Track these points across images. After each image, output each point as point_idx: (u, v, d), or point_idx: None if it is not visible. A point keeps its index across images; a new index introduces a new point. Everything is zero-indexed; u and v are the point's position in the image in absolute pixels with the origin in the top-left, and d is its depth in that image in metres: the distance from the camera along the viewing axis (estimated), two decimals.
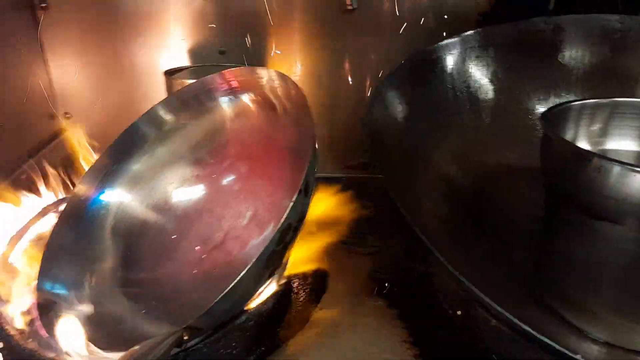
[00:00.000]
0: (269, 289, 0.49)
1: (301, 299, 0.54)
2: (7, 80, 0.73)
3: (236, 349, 0.44)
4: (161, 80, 0.74)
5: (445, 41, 0.65)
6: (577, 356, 0.37)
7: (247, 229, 0.56)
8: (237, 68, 0.57)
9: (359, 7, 0.74)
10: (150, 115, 0.60)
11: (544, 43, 0.64)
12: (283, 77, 0.52)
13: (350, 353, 0.47)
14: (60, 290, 0.48)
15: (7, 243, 0.55)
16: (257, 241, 0.54)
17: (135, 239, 0.56)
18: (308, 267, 0.56)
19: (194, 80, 0.61)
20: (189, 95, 0.59)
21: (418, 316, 0.51)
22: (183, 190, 0.60)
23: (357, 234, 0.62)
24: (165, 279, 0.53)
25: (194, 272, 0.54)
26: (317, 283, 0.56)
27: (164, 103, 0.60)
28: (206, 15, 0.79)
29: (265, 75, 0.54)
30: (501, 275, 0.49)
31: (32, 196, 0.65)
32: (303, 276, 0.56)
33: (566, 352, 0.37)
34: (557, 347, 0.37)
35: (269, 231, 0.53)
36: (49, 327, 0.43)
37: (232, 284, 0.38)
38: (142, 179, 0.59)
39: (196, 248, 0.56)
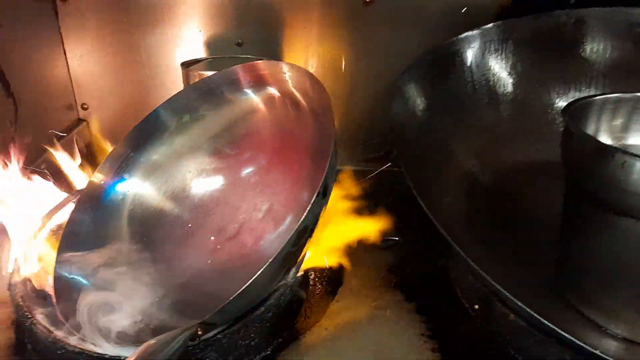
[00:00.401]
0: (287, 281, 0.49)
1: (318, 291, 0.54)
2: (29, 72, 0.74)
3: (254, 340, 0.45)
4: (178, 72, 0.74)
5: (465, 34, 0.64)
6: (597, 351, 0.37)
7: (262, 222, 0.57)
8: (261, 61, 0.57)
9: (378, 0, 0.74)
10: (171, 104, 0.60)
11: (565, 36, 0.64)
12: (308, 75, 0.51)
13: (368, 345, 0.47)
14: (76, 277, 0.48)
15: (29, 233, 0.56)
16: (272, 236, 0.54)
17: (151, 226, 0.57)
18: (325, 260, 0.57)
19: (215, 72, 0.61)
20: (211, 86, 0.59)
21: (436, 310, 0.51)
22: (200, 180, 0.61)
23: (374, 227, 0.62)
24: (179, 267, 0.53)
25: (208, 262, 0.54)
26: (334, 276, 0.56)
27: (185, 92, 0.60)
28: (223, 7, 0.79)
29: (289, 71, 0.53)
30: (521, 271, 0.49)
31: (51, 186, 0.66)
32: (320, 269, 0.56)
33: (586, 346, 0.37)
34: (577, 341, 0.37)
35: (284, 227, 0.53)
36: (67, 314, 0.44)
37: (247, 284, 0.38)
38: (160, 167, 0.59)
39: (211, 238, 0.57)
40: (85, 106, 0.88)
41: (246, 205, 0.58)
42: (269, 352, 0.46)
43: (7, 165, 0.64)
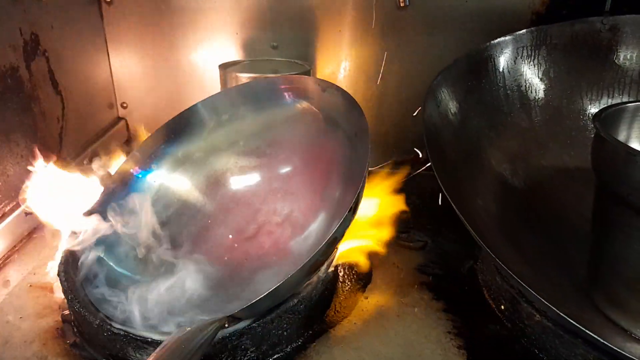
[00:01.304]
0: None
1: (347, 287, 0.56)
2: (75, 71, 0.78)
3: (287, 330, 0.47)
4: (214, 73, 0.76)
5: (498, 40, 0.65)
6: (624, 352, 0.38)
7: (280, 227, 0.58)
8: (305, 76, 0.59)
9: (412, 5, 0.75)
10: (208, 103, 0.62)
11: (599, 43, 0.64)
12: (348, 97, 0.53)
13: (395, 340, 0.49)
14: (105, 262, 0.51)
15: (74, 225, 0.59)
16: (292, 242, 0.56)
17: (172, 216, 0.59)
18: (354, 258, 0.58)
19: (259, 76, 0.64)
20: (252, 90, 0.62)
21: (463, 309, 0.52)
22: (225, 178, 0.62)
23: (403, 228, 0.63)
24: (198, 259, 0.54)
25: (225, 258, 0.56)
26: (363, 274, 0.58)
27: (223, 94, 0.63)
28: (260, 11, 0.81)
29: (330, 89, 0.55)
30: (549, 273, 0.49)
31: (94, 181, 0.69)
32: (349, 266, 0.58)
33: (615, 348, 0.37)
34: (607, 343, 0.37)
35: (304, 235, 0.55)
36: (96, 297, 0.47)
37: (276, 285, 0.40)
38: (187, 161, 0.62)
39: (229, 236, 0.58)
40: (125, 105, 0.92)
41: (266, 208, 0.60)
42: (300, 343, 0.48)
43: (53, 159, 0.68)
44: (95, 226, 0.52)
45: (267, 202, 0.60)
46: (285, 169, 0.61)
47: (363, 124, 0.50)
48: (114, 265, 0.52)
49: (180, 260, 0.53)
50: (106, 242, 0.52)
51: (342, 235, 0.47)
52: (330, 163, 0.56)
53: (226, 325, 0.41)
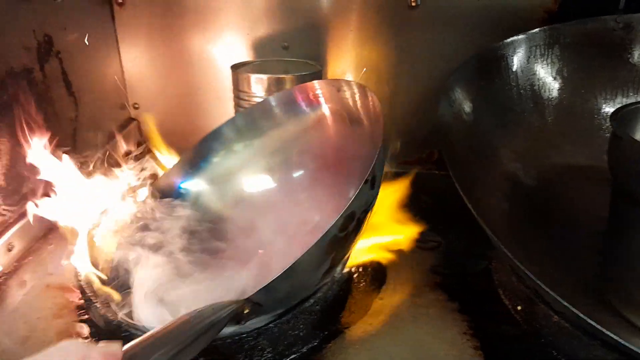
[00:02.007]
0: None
1: (361, 288, 0.56)
2: (88, 72, 0.78)
3: (303, 331, 0.47)
4: (225, 73, 0.76)
5: (511, 39, 0.65)
6: None
7: (311, 235, 0.57)
8: (318, 81, 0.60)
9: (423, 4, 0.75)
10: (234, 122, 0.64)
11: (613, 42, 0.64)
12: (362, 88, 0.53)
13: (410, 341, 0.49)
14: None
15: (88, 226, 0.60)
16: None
17: (205, 227, 0.58)
18: (368, 258, 0.58)
19: (270, 77, 0.65)
20: (271, 105, 0.63)
21: (478, 310, 0.52)
22: (254, 193, 0.63)
23: (417, 228, 0.63)
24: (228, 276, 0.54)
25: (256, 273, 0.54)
26: (377, 274, 0.58)
27: (249, 111, 0.64)
28: (270, 12, 0.81)
29: (345, 86, 0.56)
30: (563, 272, 0.49)
31: (106, 182, 0.69)
32: (363, 267, 0.58)
33: (636, 350, 0.37)
34: (628, 345, 0.37)
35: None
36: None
37: (292, 263, 0.38)
38: (215, 182, 0.63)
39: (259, 251, 0.58)
40: (137, 106, 0.92)
41: (296, 220, 0.59)
42: (315, 343, 0.48)
43: (67, 160, 0.68)
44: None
45: (295, 214, 0.60)
46: (311, 178, 0.62)
47: (376, 107, 0.50)
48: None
49: (209, 273, 0.53)
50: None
51: (363, 214, 0.45)
52: (352, 162, 0.56)
53: (245, 311, 0.39)
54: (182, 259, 0.53)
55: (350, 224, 0.43)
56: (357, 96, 0.55)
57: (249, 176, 0.64)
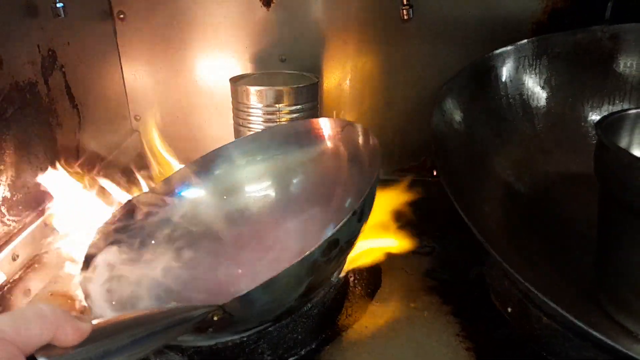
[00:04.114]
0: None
1: (358, 292, 0.57)
2: (90, 85, 0.80)
3: (301, 334, 0.48)
4: (224, 86, 0.78)
5: (500, 50, 0.67)
6: (632, 354, 0.39)
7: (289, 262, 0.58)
8: (322, 119, 0.62)
9: (416, 17, 0.76)
10: (237, 145, 0.65)
11: (600, 52, 0.65)
12: (363, 131, 0.55)
13: (406, 344, 0.50)
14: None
15: (94, 235, 0.61)
16: None
17: (192, 239, 0.59)
18: (364, 263, 0.59)
19: (268, 88, 0.67)
20: (275, 134, 0.64)
21: (471, 313, 0.54)
22: (243, 216, 0.63)
23: (411, 234, 0.65)
24: (204, 288, 0.54)
25: (231, 290, 0.54)
26: (372, 279, 0.59)
27: (253, 137, 0.66)
28: (268, 25, 0.83)
29: (347, 127, 0.58)
30: (555, 277, 0.51)
31: (110, 191, 0.71)
32: (359, 271, 0.60)
33: (623, 350, 0.38)
34: (615, 345, 0.38)
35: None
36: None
37: (270, 278, 0.38)
38: (217, 193, 0.64)
39: (239, 270, 0.57)
40: (138, 117, 0.94)
41: (280, 246, 0.59)
42: (313, 347, 0.49)
43: (71, 171, 0.70)
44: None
45: (279, 239, 0.60)
46: (302, 208, 0.62)
47: (375, 149, 0.51)
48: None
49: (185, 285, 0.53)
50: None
51: (347, 244, 0.46)
52: (345, 197, 0.58)
53: (215, 318, 0.39)
54: (158, 269, 0.53)
55: (333, 251, 0.43)
56: (360, 138, 0.56)
57: (243, 196, 0.64)
